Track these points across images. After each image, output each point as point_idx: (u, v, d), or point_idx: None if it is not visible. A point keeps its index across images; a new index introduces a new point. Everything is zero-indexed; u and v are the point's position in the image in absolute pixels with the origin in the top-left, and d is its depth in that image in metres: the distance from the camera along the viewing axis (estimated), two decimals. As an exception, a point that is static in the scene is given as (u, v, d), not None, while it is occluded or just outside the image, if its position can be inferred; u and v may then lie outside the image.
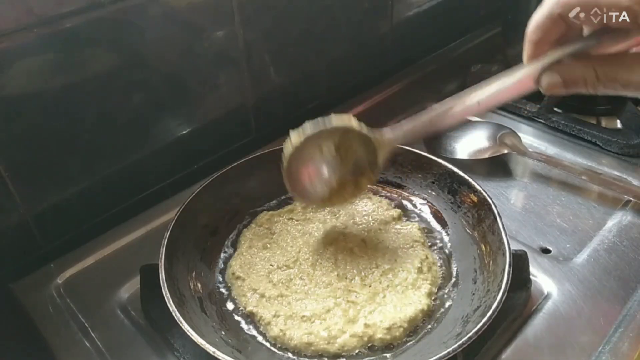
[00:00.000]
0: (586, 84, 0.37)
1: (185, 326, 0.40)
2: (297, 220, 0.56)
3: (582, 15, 0.36)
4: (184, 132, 0.63)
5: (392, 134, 0.47)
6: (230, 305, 0.48)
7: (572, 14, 0.36)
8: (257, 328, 0.46)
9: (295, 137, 0.46)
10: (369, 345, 0.44)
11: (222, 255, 0.53)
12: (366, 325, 0.44)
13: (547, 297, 0.49)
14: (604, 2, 0.35)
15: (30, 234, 0.54)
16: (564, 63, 0.38)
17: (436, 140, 0.68)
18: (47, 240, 0.56)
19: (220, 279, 0.51)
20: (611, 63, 0.37)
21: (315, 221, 0.56)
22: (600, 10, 0.35)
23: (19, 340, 0.49)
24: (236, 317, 0.47)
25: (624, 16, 0.35)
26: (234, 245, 0.54)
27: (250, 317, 0.47)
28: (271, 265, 0.51)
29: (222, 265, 0.52)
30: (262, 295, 0.48)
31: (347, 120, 0.46)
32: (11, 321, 0.51)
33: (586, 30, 0.39)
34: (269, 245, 0.53)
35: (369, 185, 0.59)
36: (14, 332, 0.50)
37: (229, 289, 0.50)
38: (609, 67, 0.36)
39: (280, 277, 0.49)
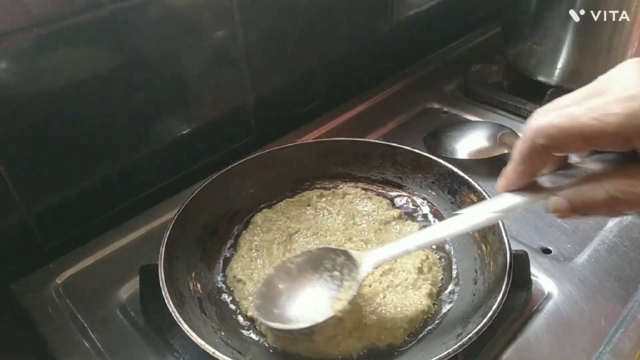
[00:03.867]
0: (601, 206, 0.33)
1: (185, 327, 0.40)
2: (293, 220, 0.55)
3: (567, 147, 0.32)
4: (184, 132, 0.63)
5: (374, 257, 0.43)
6: (230, 306, 0.48)
7: (554, 148, 0.32)
8: (257, 330, 0.46)
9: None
10: (370, 346, 0.44)
11: (222, 255, 0.53)
12: (367, 326, 0.44)
13: (547, 297, 0.49)
14: (588, 130, 0.30)
15: (29, 234, 0.54)
16: (570, 186, 0.34)
17: (436, 140, 0.68)
18: (46, 241, 0.56)
19: (221, 281, 0.51)
20: (624, 176, 0.32)
21: (312, 222, 0.55)
22: (586, 141, 0.31)
23: (18, 340, 0.49)
24: (236, 318, 0.47)
25: (613, 142, 0.30)
26: (234, 246, 0.54)
27: (251, 320, 0.47)
28: (269, 270, 0.50)
29: (222, 266, 0.52)
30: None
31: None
32: (10, 321, 0.50)
33: (582, 155, 0.36)
34: (268, 247, 0.52)
35: (366, 188, 0.59)
36: (13, 332, 0.50)
37: (229, 290, 0.50)
38: (621, 181, 0.32)
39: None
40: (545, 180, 0.36)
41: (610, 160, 0.34)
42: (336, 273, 0.44)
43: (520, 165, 0.35)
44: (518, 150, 0.35)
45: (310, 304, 0.43)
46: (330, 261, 0.45)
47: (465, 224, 0.40)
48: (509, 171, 0.37)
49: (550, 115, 0.32)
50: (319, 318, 0.41)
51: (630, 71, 0.32)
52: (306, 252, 0.46)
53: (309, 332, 0.42)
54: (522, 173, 0.36)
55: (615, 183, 0.32)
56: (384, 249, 0.43)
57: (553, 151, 0.33)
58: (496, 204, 0.38)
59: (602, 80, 0.33)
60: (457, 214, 0.40)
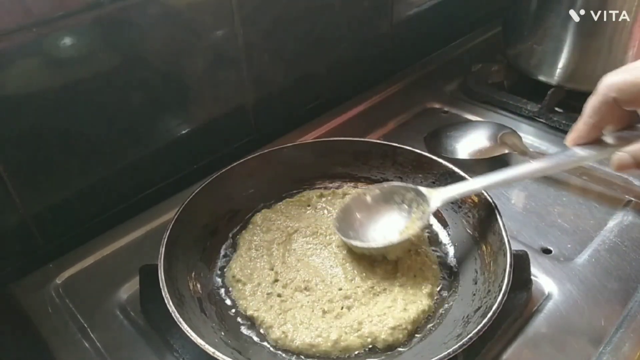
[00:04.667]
0: None
1: (185, 327, 0.40)
2: (293, 220, 0.56)
3: (637, 100, 0.36)
4: (184, 132, 0.63)
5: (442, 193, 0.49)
6: (230, 306, 0.48)
7: (625, 102, 0.36)
8: (257, 329, 0.46)
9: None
10: (370, 346, 0.44)
11: (222, 255, 0.53)
12: (369, 326, 0.44)
13: (547, 297, 0.49)
14: None
15: (29, 234, 0.54)
16: (633, 143, 0.38)
17: (437, 140, 0.68)
18: (46, 241, 0.56)
19: (220, 281, 0.51)
20: None
21: (312, 221, 0.55)
22: None
23: (18, 340, 0.49)
24: (236, 318, 0.47)
25: None
26: (234, 246, 0.54)
27: (250, 320, 0.47)
28: (271, 267, 0.50)
29: (222, 266, 0.52)
30: (263, 299, 0.47)
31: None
32: (10, 321, 0.50)
33: None
34: (268, 247, 0.52)
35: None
36: (13, 333, 0.50)
37: (228, 290, 0.50)
38: None
39: (280, 280, 0.49)
40: (609, 138, 0.40)
41: None
42: (405, 206, 0.51)
43: (591, 117, 0.39)
44: (590, 104, 0.38)
45: (383, 230, 0.50)
46: (400, 196, 0.51)
47: (532, 169, 0.45)
48: (580, 124, 0.40)
49: (622, 73, 0.36)
50: (394, 239, 0.48)
51: None
52: (379, 186, 0.52)
53: (383, 251, 0.49)
54: (591, 126, 0.39)
55: None
56: (451, 187, 0.49)
57: (624, 105, 0.36)
58: (566, 156, 0.42)
59: None
60: (526, 161, 0.45)
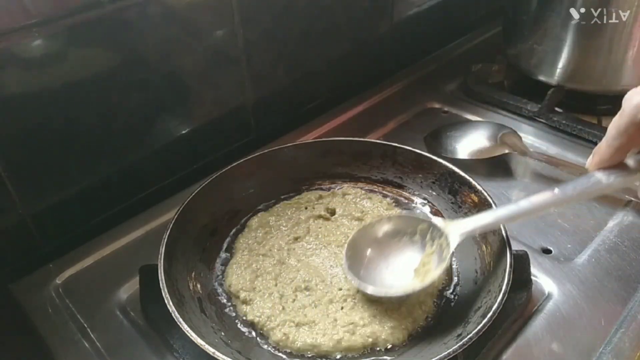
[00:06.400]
0: None
1: (185, 327, 0.40)
2: (290, 222, 0.55)
3: None
4: (184, 132, 0.63)
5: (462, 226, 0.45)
6: (229, 307, 0.48)
7: None
8: (257, 330, 0.46)
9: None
10: (370, 346, 0.44)
11: (221, 256, 0.53)
12: (370, 326, 0.44)
13: (548, 297, 0.49)
14: None
15: (29, 234, 0.54)
16: None
17: (437, 140, 0.68)
18: (46, 241, 0.56)
19: (219, 286, 0.50)
20: None
21: (310, 222, 0.55)
22: None
23: (18, 340, 0.49)
24: (236, 318, 0.47)
25: None
26: (232, 249, 0.54)
27: (251, 321, 0.47)
28: (269, 271, 0.50)
29: (221, 268, 0.52)
30: (263, 300, 0.47)
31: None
32: (10, 321, 0.50)
33: None
34: (264, 252, 0.52)
35: (366, 188, 0.59)
36: (13, 333, 0.50)
37: (228, 295, 0.49)
38: None
39: (279, 283, 0.49)
40: (632, 161, 0.37)
41: None
42: (416, 238, 0.47)
43: (616, 139, 0.36)
44: (615, 126, 0.36)
45: (397, 269, 0.46)
46: (412, 227, 0.47)
47: (555, 199, 0.41)
48: (603, 147, 0.38)
49: None
50: (416, 286, 0.44)
51: None
52: (386, 220, 0.48)
53: (404, 298, 0.45)
54: (616, 149, 0.37)
55: None
56: (470, 220, 0.44)
57: None
58: (590, 183, 0.39)
59: None
60: (549, 190, 0.41)
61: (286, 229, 0.55)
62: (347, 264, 0.46)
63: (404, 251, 0.47)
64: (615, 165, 0.38)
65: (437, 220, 0.46)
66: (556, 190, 0.41)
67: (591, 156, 0.39)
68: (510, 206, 0.44)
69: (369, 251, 0.48)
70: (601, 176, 0.38)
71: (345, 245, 0.48)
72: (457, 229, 0.44)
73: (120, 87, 0.54)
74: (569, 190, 0.41)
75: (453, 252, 0.45)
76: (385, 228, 0.48)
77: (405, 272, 0.46)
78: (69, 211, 0.56)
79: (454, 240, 0.44)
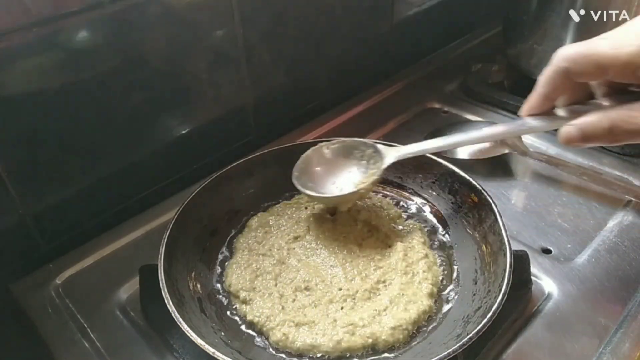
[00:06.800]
0: (602, 138, 0.37)
1: (185, 327, 0.40)
2: (289, 222, 0.55)
3: (585, 73, 0.36)
4: (184, 132, 0.63)
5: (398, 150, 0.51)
6: (229, 307, 0.48)
7: (575, 73, 0.37)
8: (257, 330, 0.46)
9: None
10: (371, 346, 0.44)
11: (221, 256, 0.53)
12: (370, 327, 0.44)
13: (548, 297, 0.49)
14: (604, 57, 0.35)
15: (29, 234, 0.54)
16: (581, 116, 0.38)
17: (436, 140, 0.68)
18: (46, 241, 0.56)
19: (219, 286, 0.50)
20: (629, 109, 0.36)
21: (310, 222, 0.55)
22: (601, 67, 0.35)
23: (18, 340, 0.49)
24: (236, 319, 0.47)
25: (624, 71, 0.35)
26: (230, 250, 0.54)
27: (250, 324, 0.47)
28: (269, 271, 0.50)
29: (221, 269, 0.52)
30: (263, 300, 0.47)
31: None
32: (10, 322, 0.50)
33: (598, 93, 0.40)
34: (264, 251, 0.52)
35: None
36: (13, 333, 0.50)
37: (227, 295, 0.49)
38: (625, 112, 0.36)
39: (279, 283, 0.49)
40: (561, 111, 0.41)
41: (622, 99, 0.38)
42: (363, 162, 0.52)
43: (544, 87, 0.40)
44: (543, 74, 0.39)
45: (340, 183, 0.52)
46: (360, 152, 0.53)
47: (483, 134, 0.46)
48: (532, 95, 0.41)
49: (576, 45, 0.37)
50: (346, 191, 0.51)
51: None
52: (340, 141, 0.54)
53: (335, 202, 0.53)
54: (544, 96, 0.40)
55: (620, 114, 0.36)
56: (407, 147, 0.51)
57: (575, 77, 0.37)
58: (517, 124, 0.43)
59: (630, 22, 0.37)
60: (478, 128, 0.47)
61: (286, 228, 0.55)
62: (296, 175, 0.52)
63: (350, 170, 0.53)
64: (544, 113, 0.41)
65: (380, 146, 0.52)
66: (486, 128, 0.46)
67: (523, 105, 0.42)
68: (441, 139, 0.49)
69: (318, 168, 0.53)
70: (529, 120, 0.42)
71: (298, 161, 0.53)
72: (393, 152, 0.51)
73: (121, 87, 0.54)
74: (497, 128, 0.45)
75: (383, 169, 0.51)
76: (336, 149, 0.54)
77: (347, 186, 0.52)
78: (69, 211, 0.56)
79: (388, 160, 0.50)
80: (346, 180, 0.52)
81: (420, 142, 0.50)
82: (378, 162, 0.51)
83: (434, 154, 0.57)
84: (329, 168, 0.53)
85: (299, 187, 0.51)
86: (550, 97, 0.40)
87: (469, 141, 0.49)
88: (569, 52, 0.37)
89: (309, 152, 0.54)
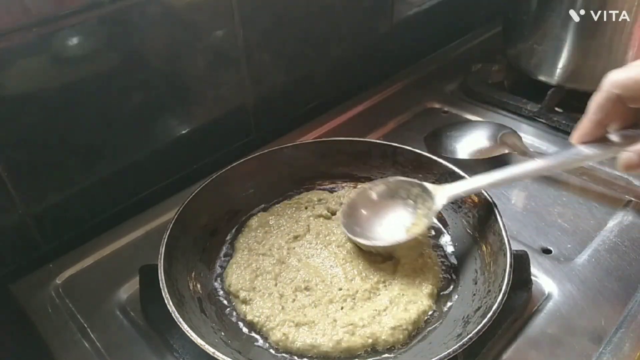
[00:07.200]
0: None
1: (185, 327, 0.40)
2: (289, 222, 0.55)
3: (638, 97, 0.36)
4: (184, 132, 0.63)
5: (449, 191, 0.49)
6: (229, 307, 0.48)
7: (628, 98, 0.36)
8: (257, 330, 0.46)
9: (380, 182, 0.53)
10: (371, 346, 0.44)
11: (221, 256, 0.53)
12: (370, 327, 0.44)
13: (548, 297, 0.49)
14: None
15: (29, 234, 0.54)
16: (636, 141, 0.38)
17: (437, 140, 0.68)
18: (46, 241, 0.56)
19: (218, 286, 0.50)
20: None
21: (310, 222, 0.55)
22: None
23: (18, 340, 0.49)
24: (236, 319, 0.47)
25: None
26: (232, 249, 0.54)
27: (250, 323, 0.47)
28: (268, 270, 0.50)
29: (221, 269, 0.52)
30: (263, 300, 0.47)
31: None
32: (10, 322, 0.50)
33: None
34: (264, 251, 0.52)
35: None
36: (13, 333, 0.50)
37: (227, 295, 0.49)
38: None
39: (279, 283, 0.49)
40: (614, 136, 0.40)
41: None
42: (410, 202, 0.51)
43: (595, 114, 0.39)
44: (594, 101, 0.39)
45: (389, 227, 0.51)
46: (406, 191, 0.51)
47: (536, 167, 0.45)
48: (584, 121, 0.40)
49: (626, 70, 0.36)
50: (401, 238, 0.48)
51: None
52: (384, 181, 0.53)
53: (390, 250, 0.50)
54: (596, 123, 0.39)
55: None
56: (456, 185, 0.49)
57: (627, 102, 0.37)
58: (571, 154, 0.42)
59: None
60: (530, 160, 0.45)
61: (286, 228, 0.55)
62: (344, 222, 0.51)
63: (398, 213, 0.52)
64: (597, 139, 0.41)
65: (428, 185, 0.50)
66: (538, 159, 0.44)
67: (574, 130, 0.42)
68: (493, 173, 0.47)
69: (364, 211, 0.52)
70: (582, 149, 0.41)
71: (343, 204, 0.53)
72: (444, 192, 0.49)
73: (121, 87, 0.54)
74: (550, 160, 0.44)
75: (438, 212, 0.50)
76: (382, 191, 0.52)
77: (398, 230, 0.50)
78: (69, 211, 0.56)
79: (440, 201, 0.48)
80: (395, 223, 0.51)
81: (471, 179, 0.49)
82: (427, 202, 0.49)
83: (433, 153, 0.57)
84: (376, 211, 0.52)
85: (349, 235, 0.50)
86: (602, 124, 0.40)
87: (523, 175, 0.47)
88: (619, 78, 0.37)
89: (353, 195, 0.53)
